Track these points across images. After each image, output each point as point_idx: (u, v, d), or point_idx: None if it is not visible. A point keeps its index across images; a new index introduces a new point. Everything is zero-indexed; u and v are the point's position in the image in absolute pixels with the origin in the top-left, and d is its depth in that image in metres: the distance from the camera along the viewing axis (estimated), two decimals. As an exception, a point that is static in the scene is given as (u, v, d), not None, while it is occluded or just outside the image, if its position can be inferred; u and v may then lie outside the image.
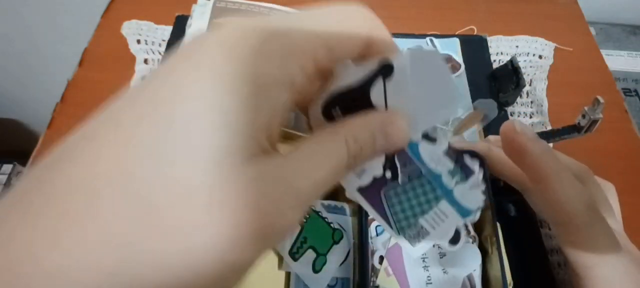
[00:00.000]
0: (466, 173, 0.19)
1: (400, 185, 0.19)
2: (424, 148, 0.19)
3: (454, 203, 0.20)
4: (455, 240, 0.24)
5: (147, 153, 0.11)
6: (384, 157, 0.17)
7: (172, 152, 0.11)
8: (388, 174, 0.19)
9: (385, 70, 0.15)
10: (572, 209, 0.23)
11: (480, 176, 0.19)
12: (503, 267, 0.27)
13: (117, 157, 0.11)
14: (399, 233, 0.20)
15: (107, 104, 0.13)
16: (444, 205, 0.20)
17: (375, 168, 0.18)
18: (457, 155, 0.19)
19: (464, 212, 0.20)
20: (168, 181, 0.11)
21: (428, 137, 0.18)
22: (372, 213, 0.20)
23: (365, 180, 0.17)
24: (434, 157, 0.19)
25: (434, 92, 0.15)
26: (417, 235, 0.22)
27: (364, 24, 0.15)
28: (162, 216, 0.11)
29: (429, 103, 0.15)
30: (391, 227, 0.19)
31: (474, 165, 0.19)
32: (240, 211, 0.11)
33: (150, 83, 0.13)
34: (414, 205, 0.20)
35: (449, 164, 0.19)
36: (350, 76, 0.15)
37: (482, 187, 0.19)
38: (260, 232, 0.12)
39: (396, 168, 0.19)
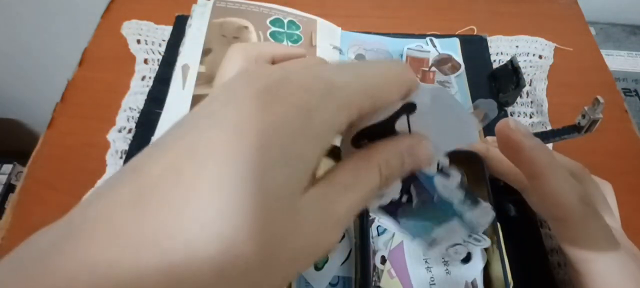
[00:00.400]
0: (474, 202, 0.21)
1: (415, 208, 0.21)
2: (438, 181, 0.20)
3: (463, 225, 0.22)
4: (466, 260, 0.25)
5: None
6: (402, 184, 0.19)
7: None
8: (404, 198, 0.21)
9: (409, 108, 0.17)
10: (566, 203, 0.24)
11: (488, 206, 0.21)
12: (505, 267, 0.27)
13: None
14: (412, 241, 0.22)
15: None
16: (454, 222, 0.22)
17: (393, 193, 0.19)
18: (467, 190, 0.21)
19: (472, 229, 0.22)
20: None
21: (443, 172, 0.20)
22: (389, 225, 0.21)
23: (384, 201, 0.19)
24: (446, 190, 0.21)
25: (452, 127, 0.18)
26: (432, 241, 0.24)
27: (402, 79, 0.17)
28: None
29: (447, 135, 0.18)
30: (406, 236, 0.21)
31: (484, 202, 0.21)
32: (294, 236, 0.13)
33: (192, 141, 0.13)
34: (425, 222, 0.22)
35: (460, 195, 0.21)
36: (379, 114, 0.17)
37: (491, 214, 0.21)
38: (309, 253, 0.14)
39: (411, 194, 0.21)
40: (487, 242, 0.27)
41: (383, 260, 0.29)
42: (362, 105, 0.15)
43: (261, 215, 0.12)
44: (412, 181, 0.20)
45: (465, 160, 0.33)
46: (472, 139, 0.18)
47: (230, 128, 0.13)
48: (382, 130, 0.17)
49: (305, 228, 0.13)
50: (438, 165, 0.20)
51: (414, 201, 0.21)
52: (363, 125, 0.17)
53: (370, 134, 0.17)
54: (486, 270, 0.29)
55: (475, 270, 0.29)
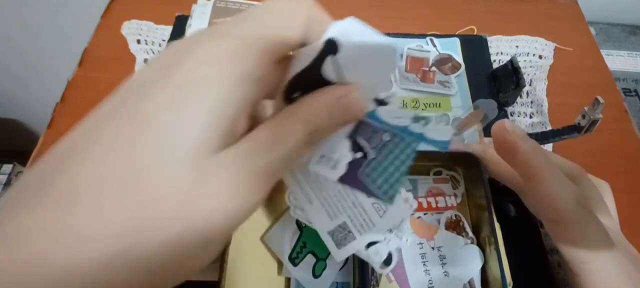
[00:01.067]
0: (425, 118, 0.20)
1: (374, 159, 0.19)
2: (381, 112, 0.19)
3: (429, 142, 0.20)
4: (387, 262, 0.24)
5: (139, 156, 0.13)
6: (349, 141, 0.18)
7: (159, 153, 0.13)
8: (358, 154, 0.19)
9: (331, 48, 0.16)
10: (562, 204, 0.24)
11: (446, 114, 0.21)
12: (502, 267, 0.27)
13: (107, 164, 0.13)
14: (391, 202, 0.20)
15: (100, 109, 0.15)
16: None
17: (344, 155, 0.18)
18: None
19: (442, 145, 0.20)
20: (158, 175, 0.13)
21: (381, 102, 0.19)
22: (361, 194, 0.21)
23: (341, 169, 0.18)
24: (393, 116, 0.19)
25: (374, 58, 0.17)
26: (344, 238, 0.23)
27: (300, 10, 0.16)
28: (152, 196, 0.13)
29: (373, 69, 0.17)
30: (382, 200, 0.20)
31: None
32: (211, 194, 0.13)
33: (135, 89, 0.14)
34: (393, 167, 0.20)
35: (410, 114, 0.20)
36: (303, 60, 0.16)
37: (449, 122, 0.20)
38: (231, 212, 0.14)
39: (362, 147, 0.19)
40: (411, 237, 0.27)
41: None
42: (267, 50, 0.15)
43: (154, 187, 0.13)
44: (358, 133, 0.18)
45: (462, 162, 0.33)
46: (394, 66, 0.17)
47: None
48: (312, 82, 0.16)
49: (218, 189, 0.13)
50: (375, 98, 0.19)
51: (369, 153, 0.19)
52: (289, 77, 0.16)
53: (301, 85, 0.16)
54: (484, 270, 0.29)
55: (472, 270, 0.29)
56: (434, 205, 0.32)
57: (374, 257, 0.24)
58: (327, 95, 0.16)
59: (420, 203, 0.32)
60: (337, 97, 0.16)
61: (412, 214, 0.31)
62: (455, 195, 0.32)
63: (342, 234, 0.23)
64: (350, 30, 0.16)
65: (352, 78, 0.17)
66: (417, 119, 0.19)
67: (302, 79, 0.16)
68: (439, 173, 0.34)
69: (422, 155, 0.33)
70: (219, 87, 0.14)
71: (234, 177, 0.14)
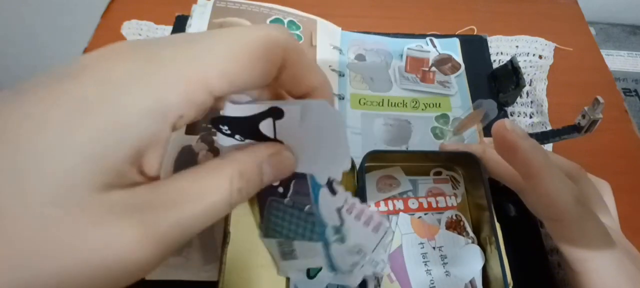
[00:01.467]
0: (344, 240, 0.20)
1: (286, 204, 0.19)
2: (323, 195, 0.19)
3: (327, 256, 0.21)
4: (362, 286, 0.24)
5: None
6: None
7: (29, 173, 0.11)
8: (280, 189, 0.19)
9: (276, 114, 0.15)
10: (561, 203, 0.24)
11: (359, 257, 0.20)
12: (503, 267, 0.27)
13: None
14: (267, 237, 0.20)
15: None
16: (318, 245, 0.21)
17: None
18: (345, 217, 0.19)
19: (332, 267, 0.21)
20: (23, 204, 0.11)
21: (331, 187, 0.19)
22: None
23: None
24: (327, 208, 0.19)
25: (324, 145, 0.16)
26: (288, 253, 0.23)
27: (275, 51, 0.14)
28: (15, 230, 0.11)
29: (318, 155, 0.16)
30: (262, 230, 0.20)
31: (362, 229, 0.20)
32: (81, 236, 0.11)
33: (10, 94, 0.12)
34: (292, 228, 0.20)
35: (337, 221, 0.19)
36: (240, 108, 0.15)
37: (358, 257, 0.20)
38: (96, 266, 0.11)
39: (289, 188, 0.19)
40: (412, 237, 0.28)
41: None
42: (207, 84, 0.12)
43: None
44: (297, 176, 0.17)
45: (462, 162, 0.33)
46: (344, 166, 0.16)
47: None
48: (247, 129, 0.15)
49: (97, 237, 0.11)
50: (329, 178, 0.18)
51: (289, 196, 0.19)
52: (223, 113, 0.15)
53: (231, 125, 0.15)
54: (485, 270, 0.29)
55: (473, 270, 0.29)
56: (434, 205, 0.32)
57: (349, 280, 0.24)
58: (258, 152, 0.15)
59: (420, 204, 0.32)
60: (270, 155, 0.15)
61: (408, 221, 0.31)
62: (456, 195, 0.32)
63: (288, 248, 0.23)
64: (309, 110, 0.15)
65: (287, 143, 0.16)
66: (337, 230, 0.19)
67: (236, 123, 0.15)
68: (439, 173, 0.34)
69: (423, 156, 0.33)
70: (119, 110, 0.11)
71: (117, 226, 0.11)
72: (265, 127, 0.15)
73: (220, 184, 0.13)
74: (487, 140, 0.36)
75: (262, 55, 0.13)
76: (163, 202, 0.12)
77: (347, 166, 0.16)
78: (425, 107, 0.40)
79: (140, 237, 0.12)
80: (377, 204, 0.31)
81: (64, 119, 0.11)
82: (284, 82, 0.15)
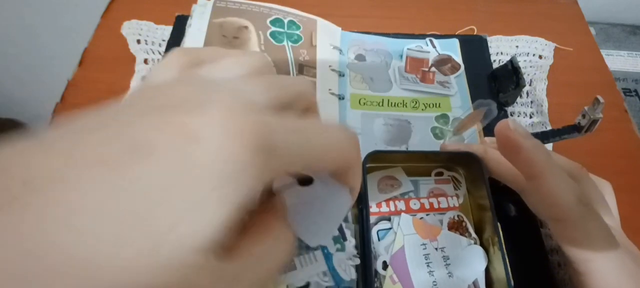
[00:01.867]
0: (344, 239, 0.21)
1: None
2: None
3: (331, 269, 0.22)
4: None
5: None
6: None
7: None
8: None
9: (305, 182, 0.16)
10: (564, 203, 0.24)
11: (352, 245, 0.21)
12: (507, 267, 0.27)
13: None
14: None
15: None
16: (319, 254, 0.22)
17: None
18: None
19: (338, 280, 0.22)
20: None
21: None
22: None
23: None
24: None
25: (328, 220, 0.17)
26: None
27: (344, 157, 0.15)
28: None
29: (317, 224, 0.17)
30: None
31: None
32: None
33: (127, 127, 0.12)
34: None
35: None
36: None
37: (356, 260, 0.21)
38: None
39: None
40: (414, 238, 0.28)
41: (384, 266, 0.29)
42: (295, 170, 0.14)
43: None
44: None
45: (463, 162, 0.33)
46: (334, 234, 0.18)
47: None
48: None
49: None
50: None
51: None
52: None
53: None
54: (487, 271, 0.29)
55: (476, 271, 0.29)
56: (436, 206, 0.32)
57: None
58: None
59: (422, 204, 0.32)
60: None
61: (415, 215, 0.31)
62: (457, 196, 0.32)
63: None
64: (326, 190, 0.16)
65: (296, 210, 0.16)
66: (335, 240, 0.21)
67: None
68: (440, 174, 0.34)
69: (423, 156, 0.33)
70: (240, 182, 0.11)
71: None
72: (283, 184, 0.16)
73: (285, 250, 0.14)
74: (487, 139, 0.36)
75: (333, 166, 0.15)
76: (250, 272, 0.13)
77: (335, 234, 0.18)
78: (425, 107, 0.40)
79: None
80: (379, 205, 0.31)
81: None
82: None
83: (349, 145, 0.16)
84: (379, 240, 0.30)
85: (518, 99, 0.42)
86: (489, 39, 0.46)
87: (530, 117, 0.41)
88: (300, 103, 0.16)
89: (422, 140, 0.38)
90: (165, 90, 0.14)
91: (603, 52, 0.47)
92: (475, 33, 0.47)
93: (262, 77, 0.15)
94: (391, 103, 0.40)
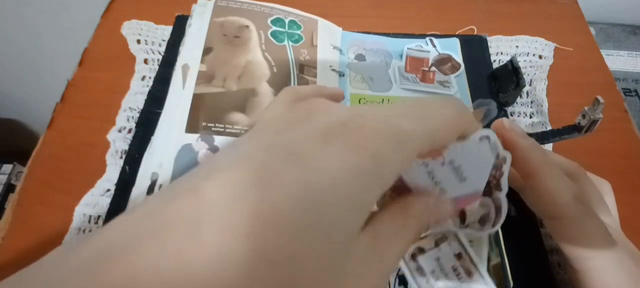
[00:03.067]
0: None
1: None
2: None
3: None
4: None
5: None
6: None
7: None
8: None
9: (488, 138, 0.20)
10: (561, 202, 0.24)
11: None
12: (505, 267, 0.27)
13: None
14: None
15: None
16: None
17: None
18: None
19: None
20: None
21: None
22: None
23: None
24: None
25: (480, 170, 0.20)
26: None
27: (460, 121, 0.18)
28: None
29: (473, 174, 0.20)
30: None
31: None
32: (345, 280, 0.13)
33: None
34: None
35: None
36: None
37: None
38: None
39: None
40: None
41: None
42: (422, 151, 0.16)
43: (323, 250, 0.12)
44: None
45: None
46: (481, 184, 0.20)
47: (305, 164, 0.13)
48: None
49: (356, 271, 0.14)
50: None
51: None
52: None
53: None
54: (487, 270, 0.29)
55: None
56: None
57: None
58: (428, 198, 0.18)
59: None
60: (435, 200, 0.18)
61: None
62: None
63: None
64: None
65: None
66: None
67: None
68: None
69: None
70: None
71: (368, 266, 0.14)
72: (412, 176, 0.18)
73: (413, 223, 0.17)
74: None
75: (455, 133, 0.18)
76: (385, 241, 0.15)
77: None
78: (426, 107, 0.40)
79: (378, 271, 0.15)
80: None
81: None
82: None
83: (460, 110, 0.18)
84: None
85: (518, 99, 0.42)
86: (489, 39, 0.46)
87: (530, 117, 0.41)
88: None
89: (422, 140, 0.38)
90: (324, 116, 0.16)
91: (603, 52, 0.47)
92: (475, 33, 0.47)
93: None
94: (391, 103, 0.40)
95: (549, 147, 0.38)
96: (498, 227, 0.21)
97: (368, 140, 0.14)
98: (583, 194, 0.25)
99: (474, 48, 0.45)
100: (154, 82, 0.40)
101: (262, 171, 0.13)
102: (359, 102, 0.40)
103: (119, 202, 0.32)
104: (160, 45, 0.43)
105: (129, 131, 0.37)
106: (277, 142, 0.14)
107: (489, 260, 0.29)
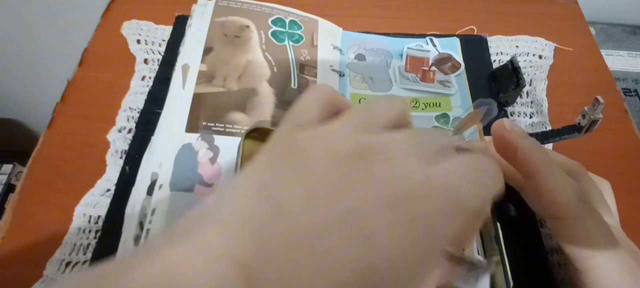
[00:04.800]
0: None
1: None
2: None
3: None
4: None
5: None
6: None
7: None
8: None
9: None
10: (562, 200, 0.24)
11: None
12: (506, 268, 0.27)
13: None
14: None
15: None
16: None
17: None
18: None
19: None
20: None
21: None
22: None
23: None
24: None
25: None
26: None
27: (500, 181, 0.17)
28: None
29: None
30: None
31: None
32: None
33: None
34: None
35: None
36: None
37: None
38: None
39: None
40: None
41: None
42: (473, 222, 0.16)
43: None
44: None
45: None
46: None
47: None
48: None
49: None
50: None
51: None
52: None
53: None
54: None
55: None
56: None
57: None
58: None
59: None
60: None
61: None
62: None
63: None
64: None
65: None
66: None
67: None
68: None
69: None
70: None
71: None
72: None
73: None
74: (488, 138, 0.36)
75: None
76: None
77: None
78: (426, 107, 0.40)
79: None
80: None
81: None
82: None
83: (497, 172, 0.18)
84: None
85: (518, 99, 0.42)
86: (489, 39, 0.46)
87: (530, 117, 0.41)
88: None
89: (422, 140, 0.38)
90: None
91: (603, 52, 0.47)
92: (475, 33, 0.47)
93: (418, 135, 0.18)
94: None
95: (549, 147, 0.38)
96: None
97: (432, 218, 0.14)
98: (584, 193, 0.25)
99: (474, 48, 0.45)
100: (154, 82, 0.40)
101: (324, 240, 0.13)
102: (359, 101, 0.40)
103: (119, 202, 0.32)
104: (160, 45, 0.43)
105: (129, 131, 0.37)
106: (334, 204, 0.14)
107: (488, 259, 0.29)
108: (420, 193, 0.14)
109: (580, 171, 0.29)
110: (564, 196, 0.24)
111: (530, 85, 0.43)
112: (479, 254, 0.29)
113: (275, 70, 0.39)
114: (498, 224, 0.28)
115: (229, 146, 0.34)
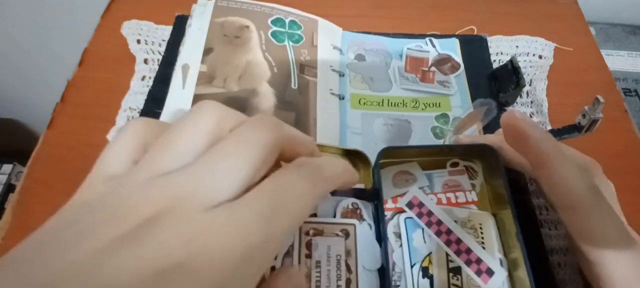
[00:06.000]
0: None
1: None
2: None
3: None
4: None
5: None
6: None
7: None
8: None
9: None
10: (575, 190, 0.24)
11: None
12: (525, 256, 0.27)
13: None
14: None
15: None
16: None
17: None
18: None
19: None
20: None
21: None
22: None
23: None
24: None
25: None
26: None
27: (316, 193, 0.18)
28: None
29: None
30: None
31: None
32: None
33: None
34: None
35: None
36: None
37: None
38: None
39: None
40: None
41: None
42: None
43: None
44: None
45: (480, 154, 0.33)
46: None
47: None
48: None
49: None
50: None
51: None
52: None
53: None
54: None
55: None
56: (454, 201, 0.31)
57: None
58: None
59: (439, 199, 0.32)
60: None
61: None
62: (474, 186, 0.32)
63: None
64: None
65: None
66: None
67: None
68: (455, 164, 0.33)
69: (438, 150, 0.34)
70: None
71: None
72: None
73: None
74: (500, 131, 0.36)
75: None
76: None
77: None
78: (425, 107, 0.40)
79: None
80: (395, 200, 0.31)
81: None
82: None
83: (345, 168, 0.20)
84: (406, 230, 0.30)
85: (518, 99, 0.42)
86: (489, 39, 0.46)
87: (530, 117, 0.41)
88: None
89: (422, 140, 0.38)
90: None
91: (603, 52, 0.47)
92: (475, 33, 0.47)
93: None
94: (391, 103, 0.40)
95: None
96: None
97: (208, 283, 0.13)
98: (597, 185, 0.25)
99: (474, 48, 0.45)
100: (154, 82, 0.40)
101: None
102: (359, 102, 0.40)
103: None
104: (160, 45, 0.43)
105: (129, 131, 0.37)
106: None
107: (506, 254, 0.29)
108: (192, 267, 0.13)
109: (594, 166, 0.29)
110: (576, 186, 0.24)
111: (530, 85, 0.43)
112: (498, 252, 0.29)
113: (275, 70, 0.39)
114: (519, 229, 0.28)
115: (229, 146, 0.34)
